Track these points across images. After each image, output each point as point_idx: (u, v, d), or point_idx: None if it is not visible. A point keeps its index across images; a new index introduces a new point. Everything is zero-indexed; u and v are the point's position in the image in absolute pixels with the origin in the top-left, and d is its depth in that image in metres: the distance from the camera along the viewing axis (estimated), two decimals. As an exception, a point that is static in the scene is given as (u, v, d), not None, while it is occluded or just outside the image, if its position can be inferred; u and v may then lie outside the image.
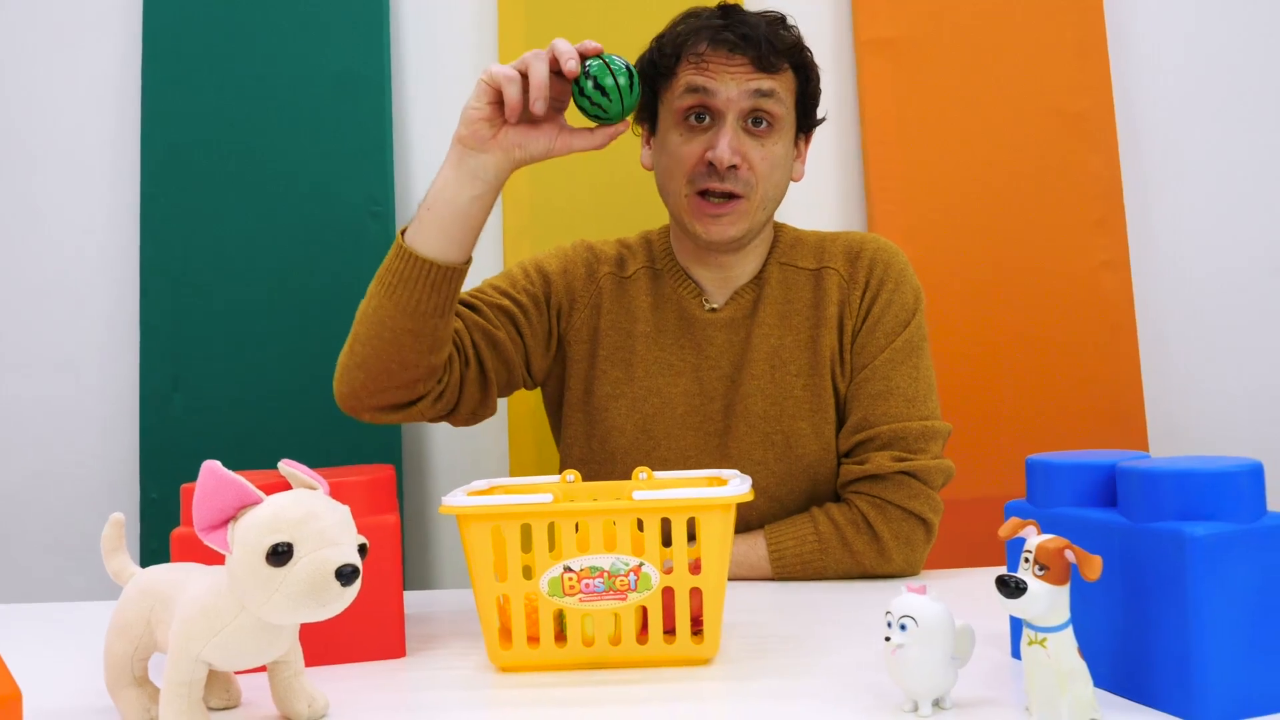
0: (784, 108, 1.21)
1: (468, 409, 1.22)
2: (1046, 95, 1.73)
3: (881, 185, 1.72)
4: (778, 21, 1.23)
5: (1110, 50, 1.74)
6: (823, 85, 1.29)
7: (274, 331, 1.70)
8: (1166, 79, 1.78)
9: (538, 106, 1.01)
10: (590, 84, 1.00)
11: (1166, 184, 1.77)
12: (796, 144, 1.28)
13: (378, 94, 1.73)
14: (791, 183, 1.28)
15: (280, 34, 1.74)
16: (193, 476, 0.86)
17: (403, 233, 1.10)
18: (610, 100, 1.01)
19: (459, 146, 1.06)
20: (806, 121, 1.28)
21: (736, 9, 1.24)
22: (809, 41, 1.25)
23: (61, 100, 1.78)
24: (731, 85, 1.18)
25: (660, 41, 1.24)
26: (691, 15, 1.24)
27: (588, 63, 1.01)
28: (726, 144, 1.18)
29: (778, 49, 1.19)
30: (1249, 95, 1.78)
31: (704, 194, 1.21)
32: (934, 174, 1.72)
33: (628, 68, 1.02)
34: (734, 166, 1.18)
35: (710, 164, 1.19)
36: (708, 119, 1.20)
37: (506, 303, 1.24)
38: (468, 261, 1.11)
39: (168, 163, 1.73)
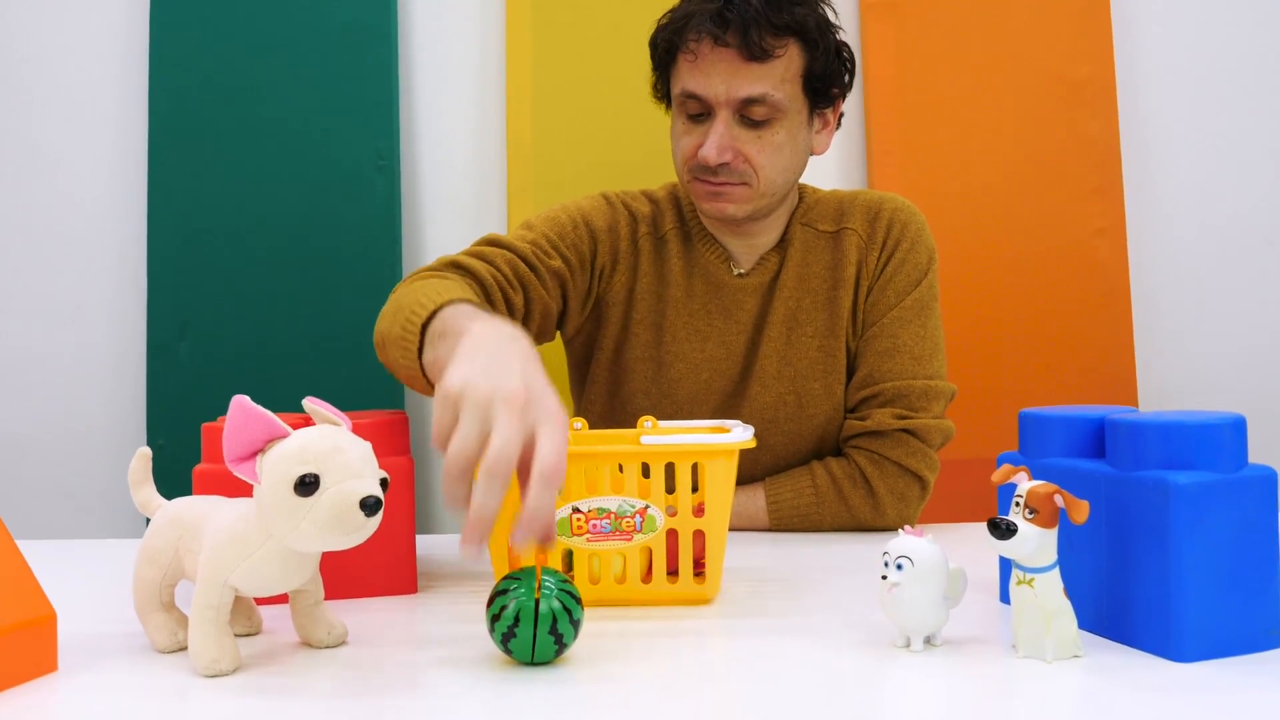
0: (782, 93, 1.16)
1: None
2: (1048, 62, 1.75)
3: (883, 149, 1.74)
4: None
5: (1113, 18, 1.76)
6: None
7: (280, 281, 1.72)
8: (1168, 48, 1.79)
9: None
10: (499, 638, 0.69)
11: (1165, 153, 1.79)
12: (818, 115, 1.23)
13: (384, 45, 1.74)
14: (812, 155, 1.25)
15: (289, -15, 1.74)
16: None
17: (421, 348, 0.91)
18: (510, 654, 0.70)
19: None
20: (823, 98, 1.21)
21: None
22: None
23: (69, 49, 1.79)
24: (719, 85, 1.15)
25: (661, 26, 1.21)
26: None
27: (517, 605, 0.68)
28: (714, 144, 1.16)
29: (773, 30, 1.13)
30: (1251, 65, 1.79)
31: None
32: (934, 138, 1.74)
33: (558, 647, 0.69)
34: (726, 162, 1.17)
35: None
36: (703, 114, 1.18)
37: (558, 264, 1.19)
38: None
39: (175, 112, 1.74)
